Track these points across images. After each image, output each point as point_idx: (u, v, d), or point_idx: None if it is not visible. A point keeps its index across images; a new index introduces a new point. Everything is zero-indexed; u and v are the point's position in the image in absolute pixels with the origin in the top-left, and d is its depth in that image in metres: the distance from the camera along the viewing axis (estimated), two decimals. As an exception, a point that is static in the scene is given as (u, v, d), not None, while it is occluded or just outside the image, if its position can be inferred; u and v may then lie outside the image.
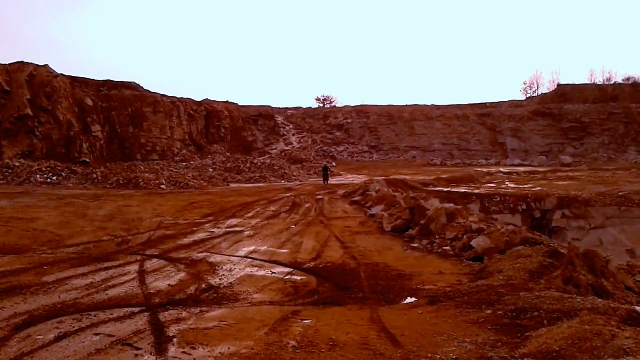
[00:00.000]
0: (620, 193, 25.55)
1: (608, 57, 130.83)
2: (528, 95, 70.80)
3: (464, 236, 11.03)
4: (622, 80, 65.45)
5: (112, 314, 6.08)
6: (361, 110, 59.95)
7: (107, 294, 7.08)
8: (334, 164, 47.33)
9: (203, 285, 7.64)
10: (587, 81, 66.93)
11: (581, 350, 4.36)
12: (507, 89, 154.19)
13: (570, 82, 66.03)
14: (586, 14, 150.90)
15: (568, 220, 24.42)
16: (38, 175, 27.38)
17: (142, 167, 32.59)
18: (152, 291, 7.28)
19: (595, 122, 54.98)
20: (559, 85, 66.33)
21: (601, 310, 5.48)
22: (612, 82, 65.60)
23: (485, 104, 63.14)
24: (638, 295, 7.67)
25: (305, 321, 5.84)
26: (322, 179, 31.89)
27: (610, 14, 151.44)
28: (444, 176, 32.99)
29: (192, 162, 38.01)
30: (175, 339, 5.18)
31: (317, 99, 68.55)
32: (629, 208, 24.57)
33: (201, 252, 10.41)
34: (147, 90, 44.37)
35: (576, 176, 35.00)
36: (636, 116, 54.83)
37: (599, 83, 65.89)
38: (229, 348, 4.95)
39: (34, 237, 11.78)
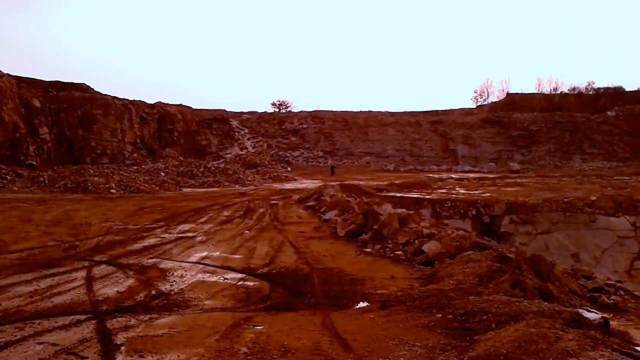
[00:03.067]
0: (565, 199, 26.44)
1: (555, 68, 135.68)
2: (478, 103, 72.59)
3: (416, 241, 11.20)
4: (568, 90, 67.94)
5: (57, 322, 5.88)
6: (316, 116, 60.15)
7: (52, 302, 6.84)
8: (289, 169, 47.31)
9: (153, 292, 7.48)
10: (535, 91, 69.20)
11: (527, 352, 4.47)
12: (459, 97, 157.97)
13: (519, 92, 68.12)
14: (534, 25, 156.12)
15: (516, 225, 25.10)
16: (-20, 179, 26.30)
17: (92, 171, 31.73)
18: (99, 298, 7.08)
19: (542, 130, 56.80)
20: (508, 94, 68.30)
21: (546, 313, 5.64)
22: (558, 92, 68.01)
23: (437, 111, 64.36)
24: (581, 299, 7.94)
25: (258, 327, 5.79)
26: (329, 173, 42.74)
27: (557, 25, 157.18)
28: (397, 182, 33.40)
29: (143, 166, 37.24)
30: (123, 347, 5.05)
31: (273, 104, 68.39)
32: (573, 214, 25.46)
33: (152, 258, 10.19)
34: (98, 92, 43.23)
35: (524, 183, 36.02)
36: (581, 125, 56.94)
37: (546, 93, 68.19)
38: (178, 356, 4.85)
39: (-26, 243, 11.30)
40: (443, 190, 31.26)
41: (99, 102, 40.43)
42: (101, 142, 39.20)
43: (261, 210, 19.14)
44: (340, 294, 7.67)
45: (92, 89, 43.55)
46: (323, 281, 8.45)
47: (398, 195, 27.08)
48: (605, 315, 6.01)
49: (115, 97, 42.70)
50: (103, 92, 43.49)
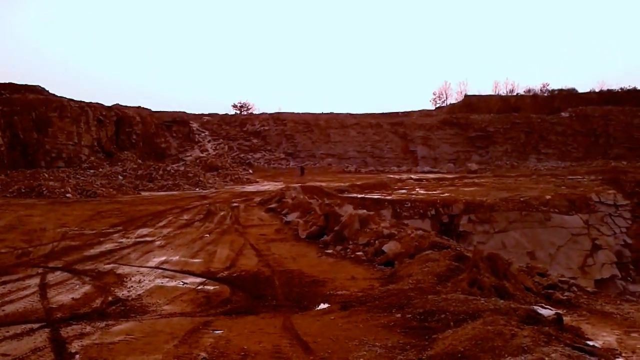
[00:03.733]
0: (521, 199, 27.08)
1: (511, 70, 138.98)
2: (437, 105, 73.87)
3: (376, 241, 11.27)
4: (524, 92, 69.94)
5: (8, 332, 5.70)
6: (278, 118, 60.02)
7: (3, 310, 6.63)
8: (250, 171, 47.03)
9: (110, 298, 7.32)
10: (492, 92, 70.82)
11: (484, 350, 4.56)
12: (418, 99, 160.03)
13: (477, 93, 69.59)
14: (490, 28, 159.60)
15: (474, 224, 25.55)
16: None
17: (47, 175, 30.85)
18: (54, 306, 6.90)
19: (499, 131, 58.08)
20: (466, 96, 69.70)
21: (503, 310, 5.75)
22: (514, 94, 69.78)
23: (397, 113, 65.15)
24: (536, 296, 8.14)
25: (217, 332, 5.74)
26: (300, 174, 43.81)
27: (512, 28, 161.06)
28: (358, 183, 33.58)
29: (101, 170, 36.41)
30: (77, 356, 4.93)
31: (234, 106, 68.03)
32: (529, 213, 26.10)
33: (109, 263, 9.98)
34: (53, 95, 42.11)
35: (482, 183, 36.71)
36: (536, 126, 58.46)
37: (503, 94, 69.88)
38: (135, 363, 4.77)
39: None
40: (403, 191, 31.58)
41: (54, 105, 39.36)
42: (56, 146, 38.16)
43: (222, 213, 18.96)
44: (301, 296, 7.66)
45: (47, 91, 42.42)
46: (284, 283, 8.42)
47: (359, 196, 27.23)
48: (559, 311, 6.17)
49: (71, 100, 41.65)
50: (59, 95, 42.44)
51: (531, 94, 68.55)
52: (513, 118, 59.58)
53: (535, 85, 75.60)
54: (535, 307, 6.34)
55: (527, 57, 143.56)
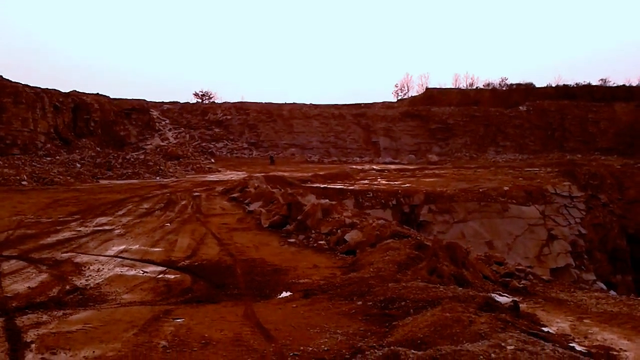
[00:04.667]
0: (480, 190, 27.66)
1: (471, 64, 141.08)
2: (399, 97, 74.44)
3: (339, 230, 11.36)
4: (483, 85, 70.98)
5: (-41, 322, 5.53)
6: (241, 107, 59.50)
7: (-46, 300, 6.42)
8: (212, 160, 46.56)
9: (67, 287, 7.17)
10: (452, 86, 71.77)
11: (442, 336, 4.66)
12: (380, 91, 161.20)
13: (438, 86, 70.43)
14: (452, 22, 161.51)
15: (434, 214, 25.99)
16: None
17: (1, 162, 29.85)
18: (9, 295, 6.72)
19: (459, 124, 59.01)
20: (427, 89, 70.45)
21: (461, 298, 5.90)
22: (474, 87, 70.86)
23: (360, 104, 65.42)
24: (494, 284, 8.36)
25: (178, 320, 5.69)
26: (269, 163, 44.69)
27: (474, 23, 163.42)
28: (321, 173, 33.67)
29: (58, 157, 35.44)
30: (33, 345, 4.82)
31: (196, 94, 67.03)
32: (488, 203, 26.69)
33: (66, 252, 9.76)
34: (8, 80, 40.63)
35: (442, 174, 37.29)
36: (494, 119, 59.60)
37: (463, 88, 70.90)
38: (94, 352, 4.69)
39: None
40: (365, 181, 31.83)
41: (8, 90, 38.00)
42: (11, 132, 36.92)
43: (183, 202, 18.75)
44: (263, 284, 7.67)
45: (1, 76, 40.93)
46: (246, 272, 8.41)
47: (322, 186, 27.33)
48: (515, 299, 6.35)
49: (26, 85, 40.28)
50: (13, 80, 40.98)
51: (490, 87, 69.75)
52: (472, 111, 60.59)
53: (494, 79, 77.14)
54: (493, 295, 6.52)
55: (486, 52, 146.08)
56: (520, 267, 10.56)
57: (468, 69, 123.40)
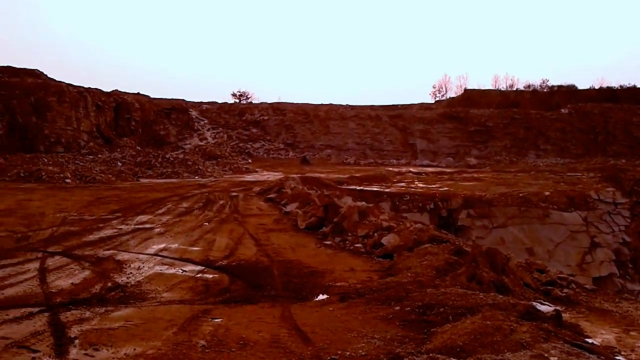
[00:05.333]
0: (520, 194, 27.10)
1: (511, 65, 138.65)
2: (437, 99, 73.65)
3: (375, 234, 11.29)
4: (524, 87, 69.57)
5: (7, 315, 5.70)
6: (278, 108, 59.85)
7: (2, 294, 6.64)
8: (249, 160, 46.97)
9: (109, 284, 7.33)
10: (491, 87, 70.63)
11: (483, 344, 4.58)
12: (418, 92, 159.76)
13: (476, 88, 69.43)
14: (491, 22, 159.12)
15: (473, 219, 25.58)
16: None
17: (46, 160, 30.75)
18: (53, 290, 6.90)
19: (498, 126, 58.00)
20: (465, 90, 69.50)
21: (502, 306, 5.78)
22: (514, 89, 69.58)
23: (397, 105, 65.04)
24: (535, 292, 8.18)
25: (216, 320, 5.75)
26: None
27: (515, 23, 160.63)
28: (357, 175, 33.56)
29: (100, 156, 36.32)
30: (77, 340, 4.94)
31: (234, 95, 67.75)
32: (528, 209, 26.12)
33: (108, 249, 9.98)
34: (52, 79, 41.91)
35: (481, 177, 36.71)
36: (535, 122, 58.38)
37: (503, 89, 69.67)
38: (134, 349, 4.78)
39: None
40: (402, 184, 31.59)
41: (53, 89, 39.17)
42: (55, 130, 38.02)
43: (221, 202, 18.96)
44: (299, 286, 7.68)
45: (46, 75, 42.18)
46: (283, 273, 8.44)
47: (358, 188, 27.23)
48: (557, 308, 6.20)
49: (70, 84, 41.46)
50: (57, 79, 42.24)
51: (531, 89, 68.35)
52: (512, 113, 59.47)
53: (535, 80, 75.37)
54: (534, 303, 6.37)
55: (527, 52, 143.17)
56: (562, 275, 10.29)
57: (508, 70, 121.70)
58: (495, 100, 64.63)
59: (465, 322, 5.19)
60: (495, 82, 73.72)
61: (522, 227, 25.63)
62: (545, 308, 6.03)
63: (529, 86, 69.09)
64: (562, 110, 60.23)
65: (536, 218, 25.90)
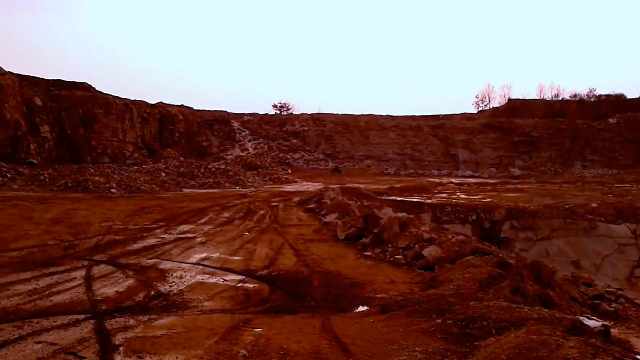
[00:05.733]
0: (566, 206, 26.40)
1: (556, 74, 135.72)
2: (480, 108, 72.71)
3: (416, 245, 11.16)
4: (570, 96, 68.05)
5: (55, 322, 5.85)
6: (317, 119, 60.14)
7: (51, 301, 6.82)
8: (289, 171, 47.29)
9: (152, 293, 7.45)
10: (536, 96, 69.28)
11: (528, 359, 4.45)
12: (460, 102, 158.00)
13: (521, 97, 68.23)
14: (536, 30, 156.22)
15: (516, 231, 25.05)
16: (-19, 176, 26.29)
17: (92, 170, 31.70)
18: (98, 298, 7.06)
19: (543, 136, 56.78)
20: (509, 99, 68.38)
21: (547, 320, 5.61)
22: (560, 98, 68.05)
23: (438, 116, 64.48)
24: (582, 306, 7.91)
25: (257, 330, 5.77)
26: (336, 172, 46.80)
27: (559, 31, 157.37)
28: (397, 186, 33.37)
29: (144, 166, 37.21)
30: (121, 348, 5.03)
31: (274, 106, 68.50)
32: (574, 221, 25.40)
33: (151, 258, 10.16)
34: (99, 92, 43.25)
35: (525, 188, 35.98)
36: (582, 132, 56.92)
37: (548, 99, 68.23)
38: (177, 357, 4.83)
39: (-26, 241, 11.28)
40: (443, 195, 31.23)
41: (100, 102, 40.43)
42: (102, 142, 39.19)
43: (261, 212, 19.12)
44: (339, 297, 7.64)
45: (94, 88, 43.57)
46: (322, 284, 8.42)
47: (398, 199, 27.06)
48: (605, 323, 5.99)
49: (116, 97, 42.73)
50: (104, 92, 43.57)
51: (577, 99, 66.75)
52: (558, 123, 58.13)
53: (582, 90, 73.66)
54: (581, 318, 6.17)
55: (573, 61, 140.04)
56: (610, 289, 9.93)
57: (553, 79, 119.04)
58: (540, 110, 63.32)
59: (509, 336, 5.05)
60: (540, 91, 72.37)
61: (567, 239, 24.95)
62: (593, 323, 5.83)
63: (575, 95, 67.58)
64: (610, 120, 58.59)
65: (582, 230, 25.16)
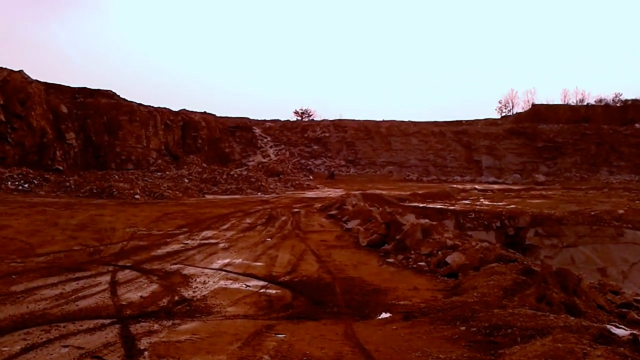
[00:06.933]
0: (592, 212, 25.99)
1: (581, 78, 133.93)
2: (503, 114, 71.89)
3: (439, 252, 11.09)
4: (595, 101, 66.92)
5: (82, 326, 5.94)
6: (339, 125, 60.16)
7: (77, 305, 6.92)
8: (311, 177, 47.38)
9: (176, 298, 7.52)
10: (560, 102, 68.32)
11: (554, 368, 4.39)
12: (483, 107, 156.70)
13: (545, 102, 67.35)
14: (561, 35, 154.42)
15: (541, 238, 24.74)
16: (9, 183, 26.81)
17: (117, 177, 32.14)
18: (123, 303, 7.14)
19: (568, 142, 56.01)
20: (533, 105, 67.52)
21: (573, 328, 5.52)
22: (585, 104, 67.03)
23: (461, 121, 63.94)
24: (609, 314, 7.76)
25: (280, 336, 5.78)
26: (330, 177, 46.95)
27: (584, 35, 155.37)
28: (420, 192, 33.18)
29: (167, 173, 37.61)
30: (146, 352, 5.08)
31: (296, 112, 68.65)
32: (600, 227, 25.00)
33: (175, 264, 10.26)
34: (124, 99, 43.90)
35: (549, 195, 35.53)
36: (608, 137, 56.02)
37: (572, 104, 67.25)
38: (201, 362, 4.87)
39: (3, 246, 11.50)
40: (467, 201, 30.98)
41: (124, 109, 41.04)
42: (126, 148, 39.73)
43: (283, 218, 19.17)
44: (362, 304, 7.62)
45: (118, 96, 44.25)
46: (345, 291, 8.40)
47: (421, 205, 26.90)
48: (634, 332, 5.86)
49: (140, 104, 43.33)
50: (128, 99, 44.20)
51: (603, 103, 65.65)
52: (583, 129, 57.30)
53: (607, 94, 72.35)
54: (609, 326, 6.05)
55: (598, 66, 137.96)
56: (639, 297, 9.76)
57: (578, 84, 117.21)
58: (564, 115, 62.43)
59: (534, 344, 4.98)
60: (565, 96, 71.28)
61: (594, 246, 24.55)
62: (621, 332, 5.72)
63: (600, 100, 66.44)
64: (637, 125, 57.56)
65: (609, 237, 24.75)
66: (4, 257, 10.35)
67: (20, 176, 27.96)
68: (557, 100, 70.48)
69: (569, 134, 56.45)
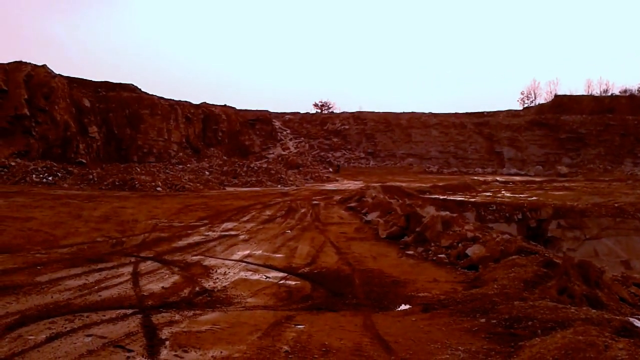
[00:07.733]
0: (615, 204, 25.59)
1: (605, 69, 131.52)
2: (525, 105, 71.14)
3: (460, 244, 11.01)
4: (619, 92, 65.90)
5: (104, 316, 6.04)
6: (359, 117, 60.03)
7: (100, 296, 7.03)
8: (330, 169, 47.37)
9: (197, 289, 7.59)
10: (584, 92, 67.28)
11: (575, 360, 4.35)
12: (505, 98, 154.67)
13: (568, 93, 66.37)
14: (585, 24, 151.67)
15: (563, 230, 24.43)
16: (34, 175, 27.29)
17: (139, 169, 32.48)
18: (145, 293, 7.24)
19: (592, 133, 55.17)
20: (556, 96, 66.64)
21: (595, 321, 5.46)
22: (609, 94, 65.94)
23: (482, 113, 63.31)
24: (632, 307, 7.64)
25: (299, 326, 5.81)
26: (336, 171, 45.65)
27: (608, 25, 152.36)
28: (440, 184, 32.99)
29: (188, 165, 37.95)
30: (167, 342, 5.15)
31: (315, 105, 68.74)
32: (624, 219, 24.60)
33: (196, 255, 10.36)
34: (145, 93, 44.34)
35: (572, 187, 35.07)
36: (632, 128, 55.04)
37: (596, 94, 66.23)
38: (221, 352, 4.92)
39: (28, 237, 11.71)
40: (488, 194, 30.71)
41: (145, 102, 41.48)
42: (148, 141, 40.18)
43: (303, 210, 19.21)
44: (381, 295, 7.61)
45: (140, 89, 44.69)
46: (364, 282, 8.40)
47: (441, 197, 26.74)
48: (658, 325, 5.77)
49: (161, 98, 43.73)
50: (150, 93, 44.60)
51: (627, 94, 64.48)
52: (607, 119, 56.37)
53: (632, 85, 71.08)
54: (631, 319, 5.96)
55: (623, 55, 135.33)
56: (663, 291, 9.59)
57: (602, 74, 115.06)
58: (588, 106, 61.43)
59: (555, 337, 4.93)
60: (588, 87, 70.26)
61: (617, 238, 24.17)
62: (644, 325, 5.64)
63: (625, 91, 65.32)
64: (663, 116, 56.39)
65: (633, 229, 24.33)
66: (29, 248, 10.55)
67: (45, 169, 28.43)
68: (580, 90, 69.58)
69: (592, 125, 55.59)
